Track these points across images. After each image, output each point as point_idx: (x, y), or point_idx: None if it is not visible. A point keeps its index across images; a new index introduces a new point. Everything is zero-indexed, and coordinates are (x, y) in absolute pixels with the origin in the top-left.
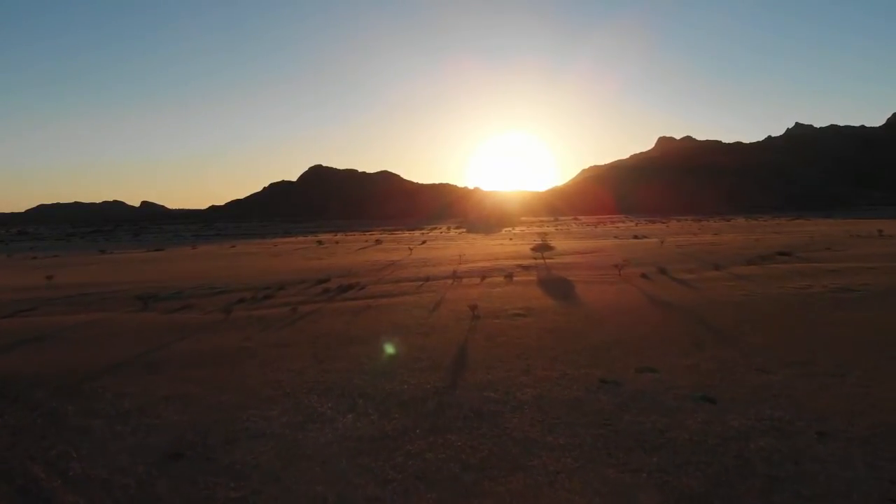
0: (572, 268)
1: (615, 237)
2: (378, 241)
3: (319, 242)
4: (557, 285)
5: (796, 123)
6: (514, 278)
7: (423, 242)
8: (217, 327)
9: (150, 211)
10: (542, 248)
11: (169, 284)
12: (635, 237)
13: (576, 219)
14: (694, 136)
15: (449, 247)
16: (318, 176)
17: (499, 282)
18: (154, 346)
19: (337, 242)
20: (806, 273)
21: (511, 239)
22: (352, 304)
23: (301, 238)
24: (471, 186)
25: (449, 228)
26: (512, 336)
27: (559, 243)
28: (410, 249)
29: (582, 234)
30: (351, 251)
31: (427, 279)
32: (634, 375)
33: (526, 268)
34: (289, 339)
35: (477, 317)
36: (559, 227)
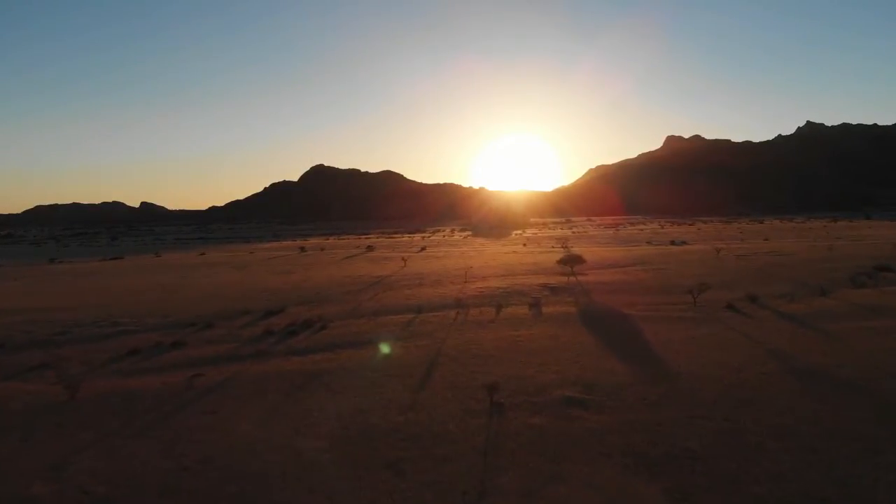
0: (621, 290)
1: (648, 243)
2: (370, 248)
3: (302, 249)
4: (613, 324)
5: (807, 122)
6: (544, 309)
7: (423, 249)
8: (28, 427)
9: (150, 212)
10: (571, 260)
11: (62, 317)
12: (673, 243)
13: (589, 219)
14: (703, 136)
15: (452, 255)
16: (319, 176)
17: (523, 316)
18: None
19: (322, 249)
20: None
21: (525, 244)
22: (293, 365)
23: (286, 243)
24: (476, 186)
25: (454, 231)
26: (579, 485)
27: (585, 251)
28: (404, 260)
29: (606, 240)
30: (334, 261)
31: (420, 310)
32: None
33: (555, 289)
34: (120, 484)
35: (499, 406)
36: (575, 231)
